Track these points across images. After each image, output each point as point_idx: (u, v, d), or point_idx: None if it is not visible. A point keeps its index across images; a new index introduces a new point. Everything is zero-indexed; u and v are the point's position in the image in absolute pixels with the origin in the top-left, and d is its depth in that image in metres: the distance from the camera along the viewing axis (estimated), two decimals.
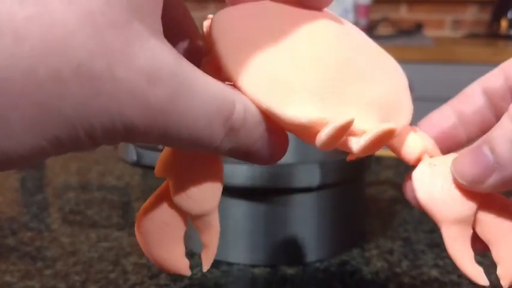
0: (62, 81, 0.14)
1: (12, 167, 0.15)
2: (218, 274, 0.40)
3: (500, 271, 0.20)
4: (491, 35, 1.78)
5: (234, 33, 0.20)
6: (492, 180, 0.19)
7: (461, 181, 0.20)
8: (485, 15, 1.87)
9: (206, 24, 0.21)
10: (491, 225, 0.21)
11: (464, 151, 0.21)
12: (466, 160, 0.20)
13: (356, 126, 0.19)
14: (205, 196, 0.21)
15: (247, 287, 0.39)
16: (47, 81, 0.14)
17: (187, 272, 0.22)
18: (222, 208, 0.37)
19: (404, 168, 0.66)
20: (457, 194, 0.20)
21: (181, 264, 0.22)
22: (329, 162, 0.40)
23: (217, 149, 0.18)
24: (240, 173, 0.38)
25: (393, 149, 0.22)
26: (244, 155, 0.19)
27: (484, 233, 0.21)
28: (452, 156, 0.21)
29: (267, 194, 0.40)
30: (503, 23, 1.76)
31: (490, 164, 0.19)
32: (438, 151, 0.22)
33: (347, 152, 0.21)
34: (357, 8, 1.71)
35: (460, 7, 1.90)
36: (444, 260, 0.42)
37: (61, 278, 0.40)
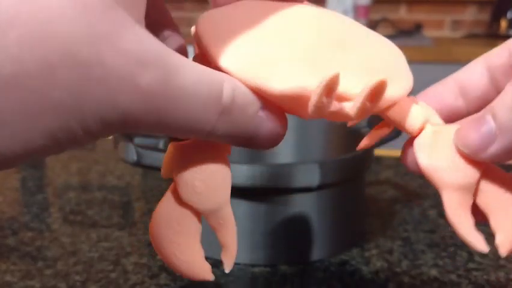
0: (50, 67, 0.14)
1: (8, 166, 0.15)
2: (218, 274, 0.40)
3: (498, 239, 0.20)
4: (491, 35, 1.78)
5: (217, 25, 0.21)
6: (494, 148, 0.19)
7: (463, 149, 0.20)
8: (485, 16, 1.87)
9: (193, 28, 0.22)
10: (492, 195, 0.21)
11: (468, 119, 0.21)
12: (468, 128, 0.20)
13: (347, 90, 0.19)
14: (213, 190, 0.20)
15: (247, 287, 0.39)
16: (35, 68, 0.14)
17: (209, 276, 0.21)
18: None
19: (404, 168, 0.66)
20: (460, 162, 0.20)
21: (200, 267, 0.21)
22: (329, 162, 0.40)
23: (214, 131, 0.18)
24: (240, 173, 0.38)
25: (395, 122, 0.22)
26: (242, 137, 0.19)
27: (484, 203, 0.21)
28: (455, 126, 0.21)
29: (267, 194, 0.40)
30: (503, 23, 1.77)
31: (491, 132, 0.19)
32: (440, 120, 0.22)
33: (344, 121, 0.21)
34: (356, 8, 1.71)
35: (460, 7, 1.90)
36: (444, 259, 0.42)
37: (62, 277, 0.40)
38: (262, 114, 0.19)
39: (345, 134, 0.52)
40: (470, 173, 0.20)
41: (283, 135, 0.21)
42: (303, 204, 0.41)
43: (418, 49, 1.44)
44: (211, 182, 0.21)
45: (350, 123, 0.25)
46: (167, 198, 0.21)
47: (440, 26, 1.94)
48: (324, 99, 0.18)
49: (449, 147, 0.21)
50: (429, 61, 1.40)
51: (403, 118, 0.21)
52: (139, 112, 0.16)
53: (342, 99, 0.19)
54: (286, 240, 0.41)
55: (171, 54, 0.17)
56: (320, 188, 0.40)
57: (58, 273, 0.40)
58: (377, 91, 0.19)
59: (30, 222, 0.50)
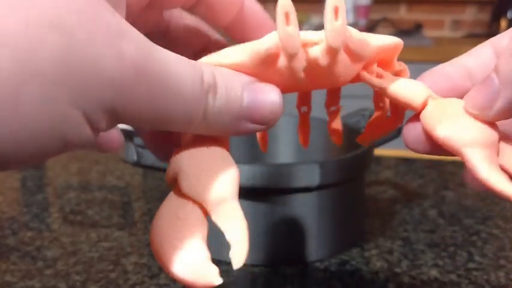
0: (37, 33, 0.14)
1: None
2: None
3: None
4: (491, 35, 1.76)
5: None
6: (499, 103, 0.19)
7: (472, 110, 0.20)
8: (485, 16, 1.87)
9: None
10: None
11: (476, 84, 0.21)
12: (475, 90, 0.20)
13: (310, 38, 0.19)
14: (218, 181, 0.19)
15: (247, 287, 0.39)
16: (23, 32, 0.14)
17: (216, 280, 0.18)
18: None
19: (404, 168, 0.66)
20: (476, 124, 0.20)
21: (206, 270, 0.18)
22: (329, 162, 0.40)
23: (208, 111, 0.18)
24: (240, 173, 0.38)
25: (398, 98, 0.21)
26: (238, 116, 0.19)
27: (508, 163, 0.20)
28: (457, 99, 0.21)
29: (267, 194, 0.40)
30: (503, 23, 1.76)
31: (495, 87, 0.19)
32: (440, 97, 0.22)
33: (321, 74, 0.20)
34: (356, 8, 1.71)
35: (460, 7, 1.90)
36: (444, 259, 0.42)
37: (62, 277, 0.40)
38: (251, 85, 0.20)
39: (345, 134, 0.52)
40: (489, 132, 0.20)
41: (281, 104, 0.20)
42: (303, 204, 0.41)
43: (418, 49, 1.44)
44: (215, 174, 0.20)
45: (360, 140, 0.26)
46: (170, 198, 0.20)
47: (440, 26, 1.94)
48: (291, 47, 0.18)
49: (460, 114, 0.20)
50: (429, 61, 1.40)
51: (406, 93, 0.21)
52: (127, 84, 0.16)
53: (305, 43, 0.19)
54: (286, 240, 0.41)
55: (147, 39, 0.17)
56: (319, 188, 0.40)
57: (58, 273, 0.40)
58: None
59: (30, 222, 0.50)
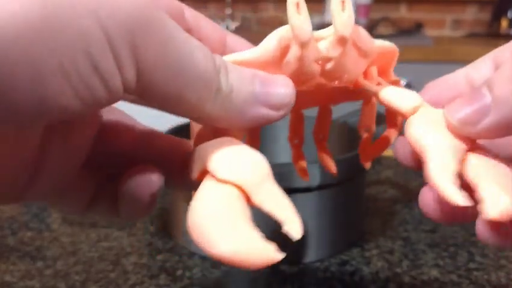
0: None
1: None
2: (218, 274, 0.40)
3: (484, 206, 0.18)
4: (491, 34, 1.77)
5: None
6: (487, 121, 0.18)
7: (453, 121, 0.19)
8: (485, 15, 1.87)
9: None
10: (480, 167, 0.19)
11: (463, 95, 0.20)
12: (462, 101, 0.19)
13: (320, 34, 0.21)
14: (252, 163, 0.19)
15: (247, 287, 0.39)
16: None
17: (276, 255, 0.16)
18: None
19: (404, 168, 0.66)
20: (448, 133, 0.20)
21: (262, 246, 0.17)
22: None
23: (221, 91, 0.18)
24: None
25: (390, 103, 0.22)
26: (251, 94, 0.19)
27: (472, 175, 0.19)
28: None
29: None
30: (503, 23, 1.76)
31: (486, 104, 0.18)
32: (433, 108, 0.22)
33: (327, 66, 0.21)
34: (357, 8, 1.71)
35: (460, 7, 1.90)
36: (444, 259, 0.42)
37: (61, 277, 0.40)
38: (261, 73, 0.19)
39: (345, 134, 0.52)
40: (457, 142, 0.19)
41: (293, 89, 0.20)
42: (303, 205, 0.40)
43: (418, 48, 1.44)
44: (248, 157, 0.19)
45: (364, 162, 0.27)
46: (205, 187, 0.18)
47: (440, 26, 1.93)
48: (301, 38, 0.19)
49: (439, 123, 0.20)
50: (430, 61, 1.40)
51: (397, 99, 0.22)
52: (132, 44, 0.15)
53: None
54: (286, 240, 0.41)
55: None
56: (320, 188, 0.40)
57: (58, 273, 0.40)
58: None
59: (30, 222, 0.50)
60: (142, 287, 0.38)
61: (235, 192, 0.18)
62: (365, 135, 0.28)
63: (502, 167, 0.19)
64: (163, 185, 0.21)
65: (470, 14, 1.91)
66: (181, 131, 0.49)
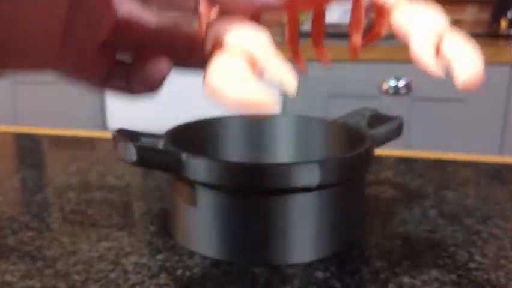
0: None
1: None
2: (218, 274, 0.40)
3: (460, 73, 0.27)
4: (491, 35, 1.78)
5: None
6: None
7: None
8: (485, 15, 1.87)
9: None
10: (454, 45, 0.27)
11: None
12: None
13: None
14: (258, 35, 0.23)
15: (247, 287, 0.39)
16: None
17: (273, 106, 0.21)
18: (221, 208, 0.37)
19: (404, 168, 0.66)
20: (430, 11, 0.29)
21: (266, 92, 0.20)
22: (329, 162, 0.40)
23: None
24: (239, 172, 0.38)
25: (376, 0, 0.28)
26: None
27: (446, 49, 0.27)
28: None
29: (267, 193, 0.40)
30: (503, 23, 1.76)
31: None
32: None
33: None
34: None
35: (460, 7, 1.90)
36: (444, 259, 0.42)
37: (61, 277, 0.40)
38: None
39: (345, 134, 0.52)
40: (438, 20, 0.26)
41: None
42: (303, 205, 0.40)
43: None
44: (250, 31, 0.23)
45: (351, 54, 0.32)
46: (219, 58, 0.22)
47: None
48: None
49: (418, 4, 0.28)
50: None
51: None
52: None
53: None
54: (286, 240, 0.41)
55: None
56: (320, 187, 0.40)
57: (58, 273, 0.40)
58: None
59: (30, 222, 0.50)
60: (142, 286, 0.38)
61: (243, 58, 0.22)
62: (354, 34, 0.33)
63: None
64: (172, 67, 0.25)
65: (470, 14, 1.91)
66: (181, 131, 0.50)
